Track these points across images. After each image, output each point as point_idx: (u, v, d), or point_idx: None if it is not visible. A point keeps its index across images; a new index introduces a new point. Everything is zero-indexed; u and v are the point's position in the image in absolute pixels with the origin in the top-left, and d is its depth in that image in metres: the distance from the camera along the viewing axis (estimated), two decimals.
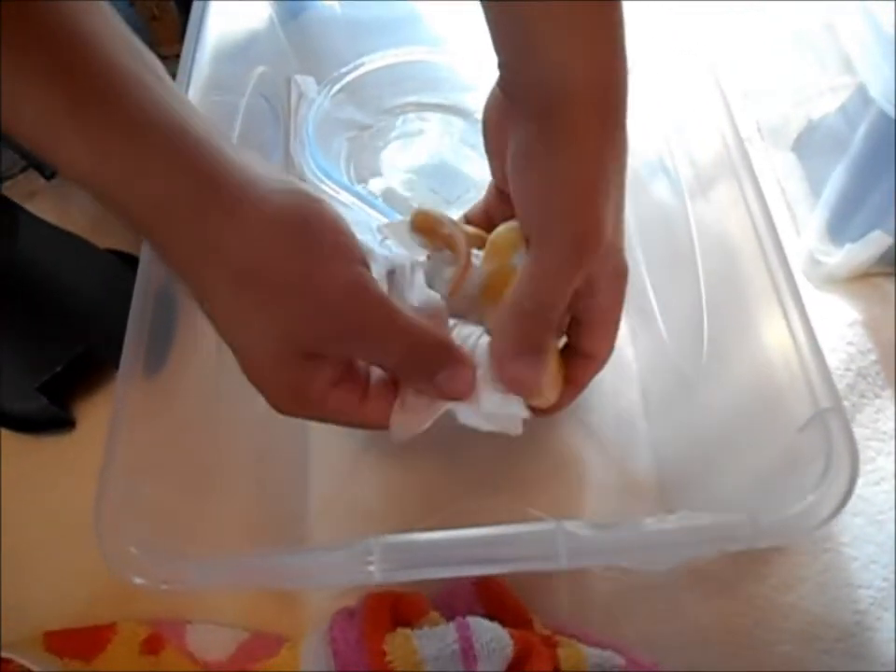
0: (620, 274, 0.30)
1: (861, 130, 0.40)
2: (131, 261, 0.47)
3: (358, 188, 0.49)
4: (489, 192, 0.36)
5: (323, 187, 0.48)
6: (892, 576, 0.36)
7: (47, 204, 0.52)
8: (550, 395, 0.31)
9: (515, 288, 0.29)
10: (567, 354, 0.32)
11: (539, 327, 0.28)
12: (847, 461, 0.23)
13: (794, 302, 0.27)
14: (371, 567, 0.23)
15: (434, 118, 0.54)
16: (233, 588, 0.35)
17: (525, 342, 0.28)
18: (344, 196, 0.48)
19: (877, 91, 0.35)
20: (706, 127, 0.35)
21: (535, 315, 0.28)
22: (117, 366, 0.43)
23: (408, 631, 0.30)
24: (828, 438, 0.24)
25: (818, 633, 0.35)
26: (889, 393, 0.41)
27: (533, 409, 0.31)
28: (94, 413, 0.45)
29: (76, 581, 0.39)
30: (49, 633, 0.36)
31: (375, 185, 0.50)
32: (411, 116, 0.54)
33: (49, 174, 0.53)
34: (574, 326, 0.31)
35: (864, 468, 0.39)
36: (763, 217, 0.29)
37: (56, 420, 0.44)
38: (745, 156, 0.31)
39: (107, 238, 0.47)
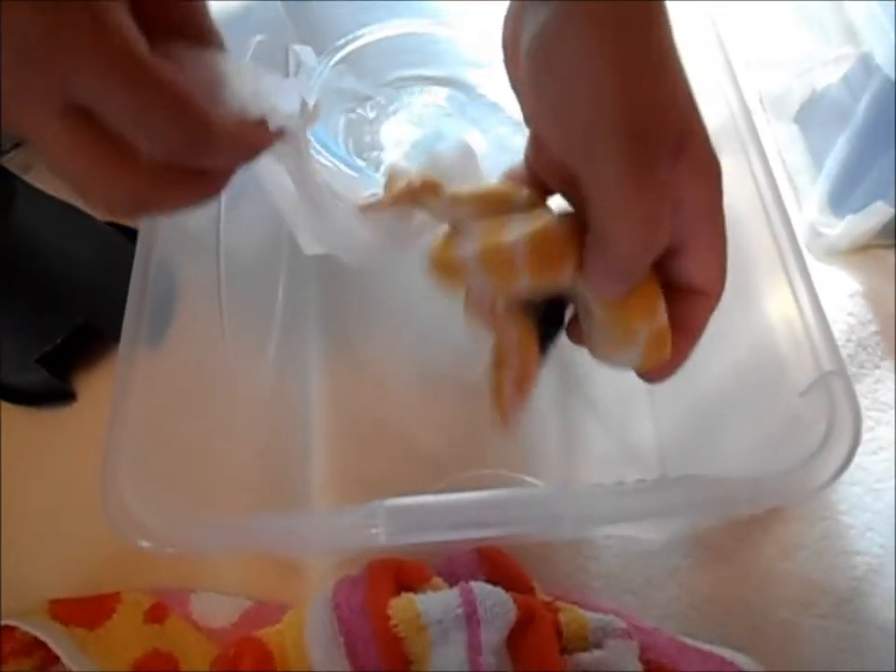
0: (712, 174, 0.23)
1: (865, 100, 0.40)
2: (129, 234, 0.47)
3: (358, 161, 0.48)
4: (527, 147, 0.29)
5: (320, 159, 0.48)
6: (889, 543, 0.37)
7: (43, 178, 0.51)
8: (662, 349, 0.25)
9: (589, 239, 0.23)
10: (673, 296, 0.24)
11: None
12: (850, 422, 0.23)
13: (798, 268, 0.27)
14: (377, 531, 0.23)
15: (435, 91, 0.53)
16: (240, 551, 0.35)
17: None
18: (345, 170, 0.47)
19: (882, 58, 0.34)
20: (711, 96, 0.34)
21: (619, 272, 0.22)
22: (116, 338, 0.43)
23: (411, 595, 0.30)
24: (831, 400, 0.24)
25: (815, 599, 0.36)
26: (888, 364, 0.41)
27: (649, 376, 0.26)
28: (94, 386, 0.45)
29: (79, 552, 0.39)
30: (53, 601, 0.36)
31: (374, 159, 0.50)
32: (411, 89, 0.54)
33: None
34: (670, 256, 0.24)
35: (863, 437, 0.39)
36: (769, 185, 0.29)
37: (56, 392, 0.44)
38: (751, 125, 0.31)
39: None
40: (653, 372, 0.26)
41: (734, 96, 0.33)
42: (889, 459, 0.39)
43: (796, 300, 0.27)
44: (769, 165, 0.30)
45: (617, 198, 0.21)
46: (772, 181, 0.29)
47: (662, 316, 0.24)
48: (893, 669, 0.34)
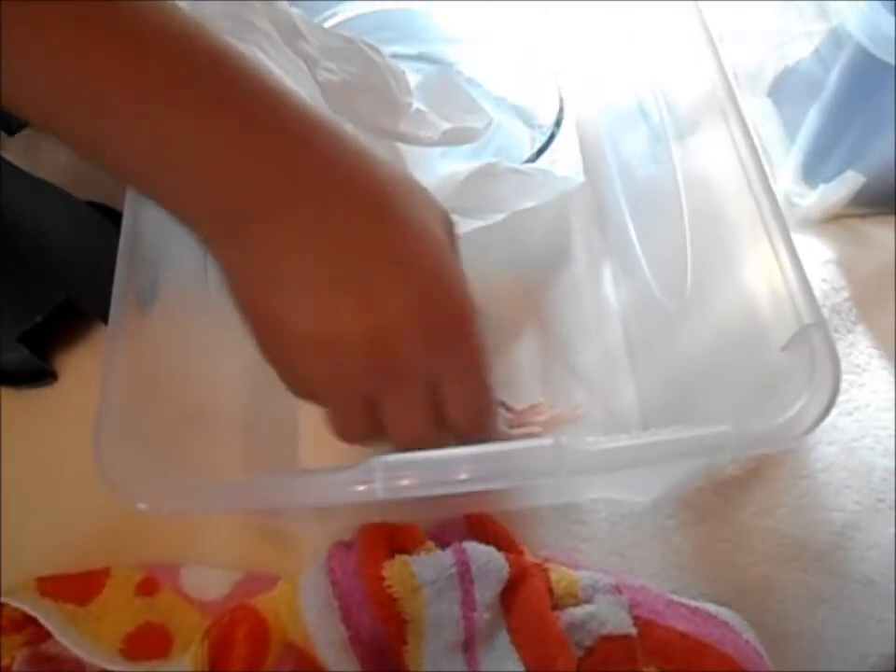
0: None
1: (835, 71, 0.41)
2: (108, 212, 0.46)
3: None
4: None
5: None
6: (864, 499, 0.38)
7: (15, 158, 0.50)
8: None
9: None
10: None
11: None
12: (831, 370, 0.24)
13: (779, 228, 0.28)
14: (374, 486, 0.24)
15: (413, 68, 0.53)
16: (236, 513, 0.35)
17: None
18: None
19: (855, 26, 0.35)
20: (691, 66, 0.35)
21: None
22: (97, 316, 0.44)
23: (405, 557, 0.31)
24: (811, 351, 0.25)
25: (795, 554, 0.37)
26: (861, 328, 0.42)
27: None
28: (76, 365, 0.44)
29: (66, 529, 0.39)
30: (42, 578, 0.36)
31: None
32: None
33: (13, 128, 0.52)
34: None
35: (839, 398, 0.40)
36: (750, 152, 0.30)
37: (38, 372, 0.43)
38: (731, 93, 0.32)
39: (82, 191, 0.47)
40: None
41: (714, 68, 0.33)
42: (862, 419, 0.40)
43: (777, 258, 0.27)
44: (749, 133, 0.31)
45: None
46: (752, 148, 0.30)
47: None
48: (867, 617, 0.36)
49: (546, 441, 0.24)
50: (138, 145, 0.23)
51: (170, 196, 0.24)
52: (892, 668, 0.35)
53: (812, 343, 0.25)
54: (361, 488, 0.23)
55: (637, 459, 0.24)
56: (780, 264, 0.28)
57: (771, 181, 0.47)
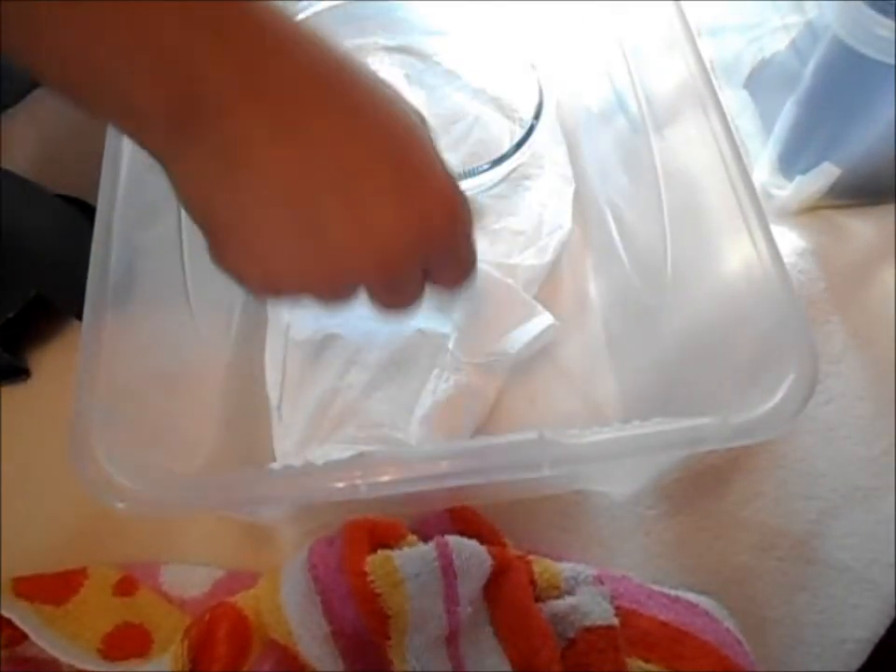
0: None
1: (811, 64, 0.41)
2: (79, 207, 0.45)
3: None
4: None
5: None
6: (841, 487, 0.38)
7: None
8: None
9: None
10: None
11: None
12: (809, 361, 0.25)
13: (758, 219, 0.28)
14: (358, 482, 0.23)
15: (391, 59, 0.53)
16: (217, 510, 0.35)
17: None
18: None
19: (832, 17, 0.36)
20: (670, 58, 0.35)
21: None
22: (70, 312, 0.43)
23: (388, 552, 0.31)
24: (790, 342, 0.25)
25: (774, 542, 0.37)
26: (836, 318, 0.43)
27: None
28: (49, 362, 0.43)
29: (43, 528, 0.38)
30: (17, 578, 0.36)
31: None
32: (367, 58, 0.53)
33: None
34: None
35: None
36: (728, 142, 0.30)
37: (10, 369, 0.42)
38: (710, 85, 0.32)
39: (53, 183, 0.46)
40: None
41: (693, 59, 0.34)
42: (839, 409, 0.40)
43: (756, 250, 0.28)
44: (729, 125, 0.31)
45: None
46: (732, 140, 0.30)
47: None
48: (844, 603, 0.36)
49: (529, 434, 0.24)
50: (83, 30, 0.20)
51: (119, 94, 0.21)
52: (869, 653, 0.35)
53: (791, 335, 0.25)
54: (344, 485, 0.23)
55: (619, 451, 0.24)
56: (759, 256, 0.28)
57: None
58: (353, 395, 0.38)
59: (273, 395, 0.38)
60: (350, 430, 0.37)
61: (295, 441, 0.36)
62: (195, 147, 0.22)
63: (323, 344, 0.39)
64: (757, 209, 0.29)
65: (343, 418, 0.38)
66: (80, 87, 0.21)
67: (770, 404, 0.24)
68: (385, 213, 0.24)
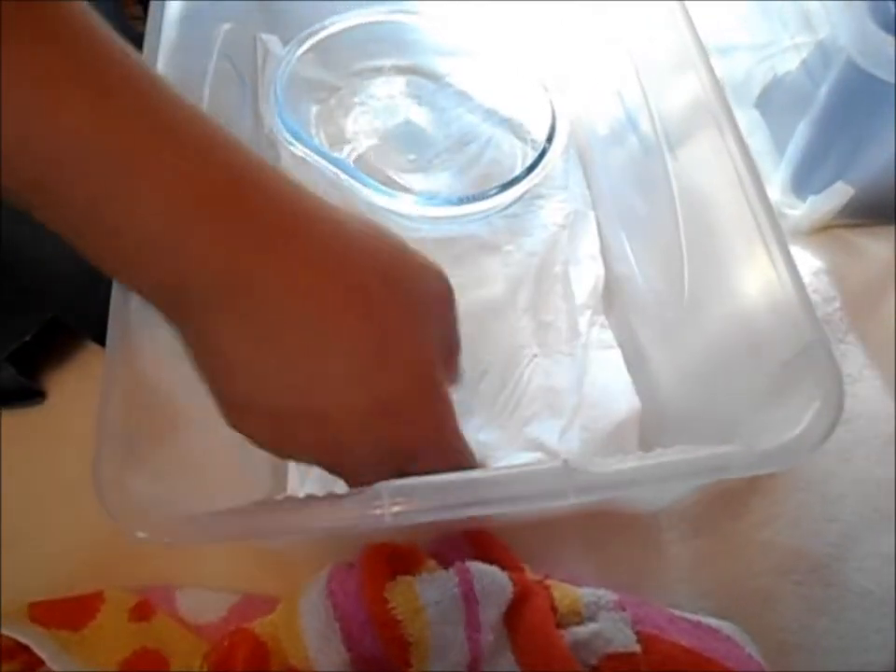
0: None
1: (825, 84, 0.41)
2: None
3: (335, 154, 0.48)
4: None
5: (295, 150, 0.47)
6: (861, 509, 0.38)
7: None
8: None
9: None
10: None
11: None
12: (835, 386, 0.24)
13: (777, 241, 0.28)
14: (381, 511, 0.23)
15: (403, 81, 0.53)
16: (238, 541, 0.35)
17: None
18: (318, 161, 0.47)
19: (847, 40, 0.36)
20: (682, 76, 0.35)
21: None
22: (86, 334, 0.43)
23: (409, 578, 0.30)
24: (814, 367, 0.25)
25: (792, 565, 0.37)
26: (851, 338, 0.43)
27: None
28: (64, 384, 0.43)
29: (58, 552, 0.38)
30: (33, 604, 0.35)
31: (347, 150, 0.50)
32: (380, 79, 0.53)
33: None
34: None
35: None
36: (744, 161, 0.30)
37: (25, 391, 0.42)
38: (723, 101, 0.32)
39: None
40: None
41: (706, 76, 0.34)
42: (857, 429, 0.40)
43: (776, 271, 0.28)
44: (744, 143, 0.31)
45: None
46: (748, 159, 0.30)
47: None
48: (865, 628, 0.36)
49: (555, 463, 0.23)
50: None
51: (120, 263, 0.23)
52: None
53: (814, 360, 0.25)
54: (368, 514, 0.23)
55: (645, 479, 0.24)
56: (779, 277, 0.28)
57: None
58: None
59: None
60: None
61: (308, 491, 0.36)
62: (186, 327, 0.23)
63: None
64: (775, 229, 0.29)
65: None
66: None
67: (796, 431, 0.24)
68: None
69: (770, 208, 0.29)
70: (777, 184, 0.46)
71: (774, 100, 0.49)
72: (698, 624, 0.34)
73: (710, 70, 0.34)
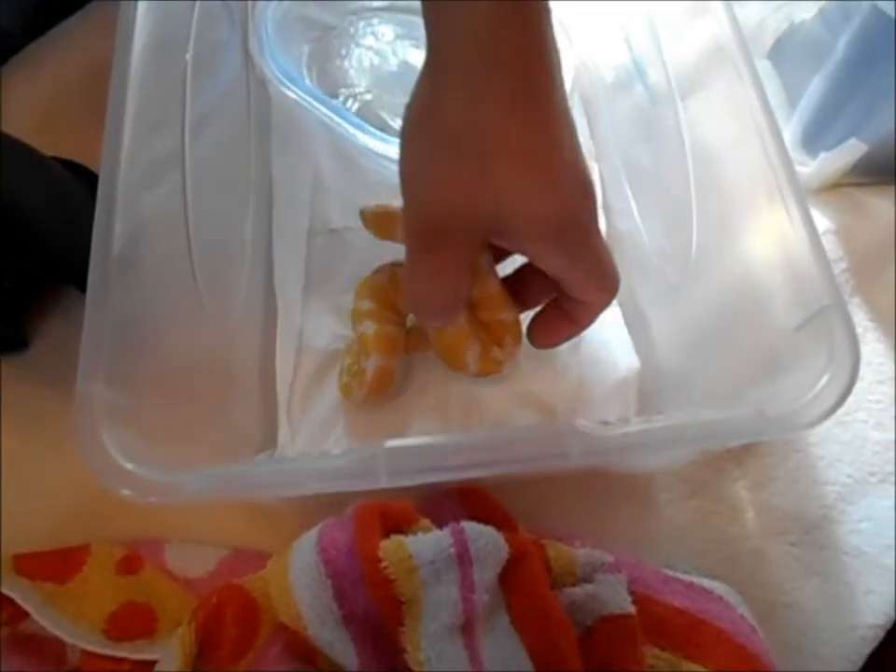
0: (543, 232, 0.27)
1: (845, 36, 0.39)
2: (78, 171, 0.44)
3: (332, 100, 0.46)
4: None
5: (288, 93, 0.45)
6: (856, 472, 0.38)
7: None
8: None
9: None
10: (568, 299, 0.31)
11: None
12: (850, 353, 0.24)
13: (795, 198, 0.27)
14: (378, 473, 0.22)
15: (400, 21, 0.51)
16: (229, 499, 0.34)
17: None
18: (313, 104, 0.45)
19: None
20: (697, 22, 0.34)
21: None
22: (70, 282, 0.41)
23: (402, 537, 0.30)
24: (828, 332, 0.24)
25: (787, 527, 0.37)
26: (857, 300, 0.42)
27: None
28: (47, 332, 0.42)
29: (43, 504, 0.37)
30: (18, 556, 0.35)
31: (341, 92, 0.48)
32: (375, 19, 0.51)
33: None
34: (560, 283, 0.30)
35: None
36: (763, 111, 0.29)
37: (8, 340, 0.41)
38: (743, 48, 0.30)
39: (49, 146, 0.44)
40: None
41: (725, 19, 0.32)
42: (856, 392, 0.39)
43: (793, 229, 0.26)
44: (763, 91, 0.30)
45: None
46: (766, 107, 0.29)
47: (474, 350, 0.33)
48: (857, 589, 0.36)
49: (561, 425, 0.23)
50: None
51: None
52: (881, 639, 0.35)
53: (831, 325, 0.24)
54: (365, 476, 0.22)
55: (651, 443, 0.23)
56: (797, 236, 0.27)
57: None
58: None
59: (281, 392, 0.37)
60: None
61: (299, 448, 0.35)
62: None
63: (335, 356, 0.38)
64: (794, 185, 0.27)
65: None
66: None
67: (807, 398, 0.23)
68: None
69: (789, 162, 0.28)
70: (787, 139, 0.45)
71: (787, 51, 0.47)
72: (691, 585, 0.33)
73: (731, 13, 0.32)
